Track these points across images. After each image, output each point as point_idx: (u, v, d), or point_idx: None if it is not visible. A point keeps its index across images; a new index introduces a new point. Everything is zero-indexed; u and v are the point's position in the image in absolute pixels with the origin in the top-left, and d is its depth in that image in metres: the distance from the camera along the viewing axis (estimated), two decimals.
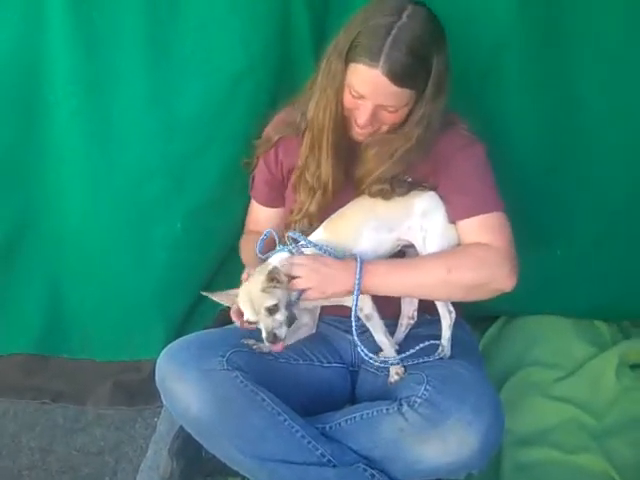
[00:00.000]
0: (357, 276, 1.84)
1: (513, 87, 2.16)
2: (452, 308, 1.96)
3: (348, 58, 1.79)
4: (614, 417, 2.22)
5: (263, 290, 1.80)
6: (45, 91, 2.15)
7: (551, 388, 2.30)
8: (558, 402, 2.25)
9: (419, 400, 1.78)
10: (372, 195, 1.94)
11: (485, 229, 1.91)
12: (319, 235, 1.95)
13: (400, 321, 2.06)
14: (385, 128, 1.89)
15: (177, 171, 2.23)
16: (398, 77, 1.75)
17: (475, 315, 2.17)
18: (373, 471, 1.81)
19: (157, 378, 1.87)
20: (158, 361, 1.88)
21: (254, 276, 1.84)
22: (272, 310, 1.80)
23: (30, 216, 2.35)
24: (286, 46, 2.15)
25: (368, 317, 1.93)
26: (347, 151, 1.95)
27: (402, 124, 1.88)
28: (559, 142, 2.24)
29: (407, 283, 1.90)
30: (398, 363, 1.92)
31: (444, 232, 1.93)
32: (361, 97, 1.81)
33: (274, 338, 1.80)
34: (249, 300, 1.82)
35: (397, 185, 1.93)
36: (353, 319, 1.87)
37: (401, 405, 1.80)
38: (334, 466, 1.82)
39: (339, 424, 1.89)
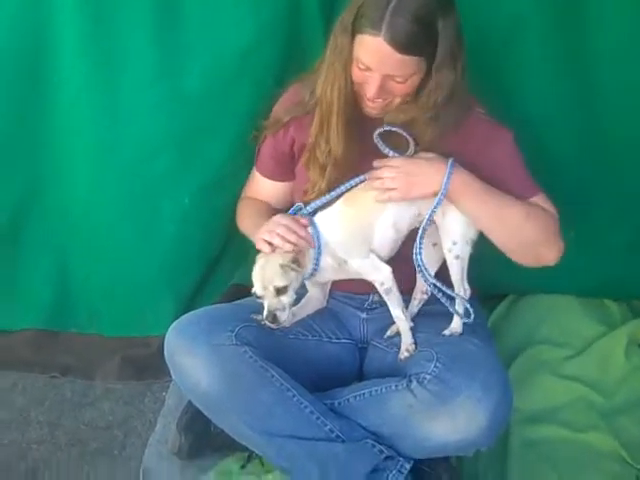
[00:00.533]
0: (447, 174, 1.84)
1: (532, 62, 2.14)
2: (467, 285, 1.95)
3: (354, 30, 1.77)
4: (623, 396, 2.22)
5: (281, 267, 1.79)
6: (53, 65, 2.14)
7: (560, 366, 2.30)
8: (567, 380, 2.25)
9: (428, 377, 1.78)
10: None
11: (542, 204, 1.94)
12: (338, 207, 1.93)
13: (414, 295, 2.05)
14: (397, 100, 1.86)
15: (185, 146, 2.21)
16: (401, 44, 1.72)
17: (484, 293, 2.15)
18: (381, 447, 1.82)
19: (166, 353, 1.88)
20: (167, 336, 1.88)
21: (275, 254, 1.83)
22: (280, 291, 1.80)
23: (37, 190, 2.34)
24: (295, 22, 2.12)
25: (387, 291, 1.91)
26: (359, 127, 1.93)
27: (417, 94, 1.85)
28: (577, 121, 2.22)
29: (488, 206, 1.89)
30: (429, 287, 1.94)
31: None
32: (368, 69, 1.79)
33: (273, 319, 1.80)
34: (262, 274, 1.81)
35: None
36: (424, 225, 1.87)
37: (410, 382, 1.80)
38: (343, 441, 1.82)
39: (348, 400, 1.90)
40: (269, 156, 2.12)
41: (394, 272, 1.91)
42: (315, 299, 2.07)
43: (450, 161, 1.85)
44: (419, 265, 1.89)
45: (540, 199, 1.95)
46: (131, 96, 2.14)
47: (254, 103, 2.15)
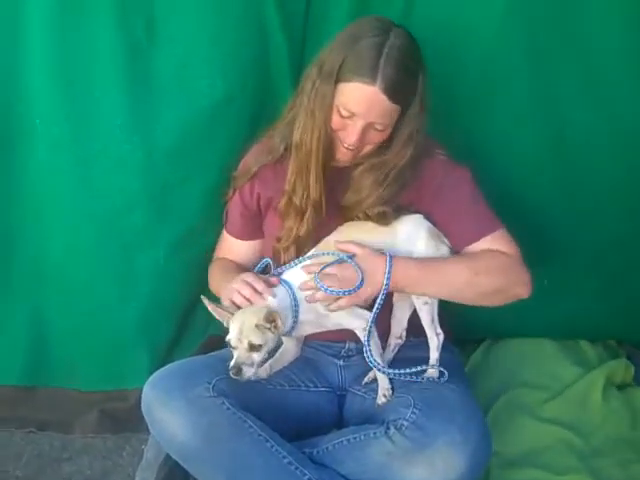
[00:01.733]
0: (387, 273, 1.86)
1: (503, 106, 2.18)
2: (440, 330, 1.97)
3: (338, 78, 1.82)
4: (602, 437, 2.22)
5: (257, 326, 1.79)
6: (24, 120, 2.13)
7: (538, 409, 2.29)
8: (546, 423, 2.24)
9: (406, 423, 1.78)
10: (372, 218, 1.95)
11: (496, 244, 1.97)
12: (303, 263, 1.96)
13: (389, 341, 2.06)
14: (368, 149, 1.91)
15: (159, 200, 2.20)
16: (394, 93, 1.79)
17: (460, 338, 2.17)
18: None
19: (143, 406, 1.87)
20: (144, 389, 1.87)
21: (256, 308, 1.84)
22: (254, 348, 1.79)
23: (10, 244, 2.30)
24: (265, 75, 2.16)
25: (370, 334, 1.91)
26: (331, 175, 1.96)
27: (385, 146, 1.91)
28: (550, 168, 2.25)
29: (435, 281, 1.92)
30: (391, 376, 1.92)
31: (433, 254, 1.95)
32: (351, 116, 1.83)
33: (237, 372, 1.78)
34: (239, 327, 1.81)
35: (395, 208, 1.96)
36: (370, 322, 1.88)
37: (388, 428, 1.80)
38: None
39: (327, 448, 1.89)
40: (238, 215, 2.14)
41: None
42: (291, 351, 2.06)
43: (388, 258, 1.88)
44: (371, 362, 1.90)
45: (498, 235, 1.98)
46: (103, 151, 2.13)
47: (226, 156, 2.16)
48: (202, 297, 1.92)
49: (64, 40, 2.04)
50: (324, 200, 1.96)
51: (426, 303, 1.95)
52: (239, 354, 1.79)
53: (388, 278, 1.86)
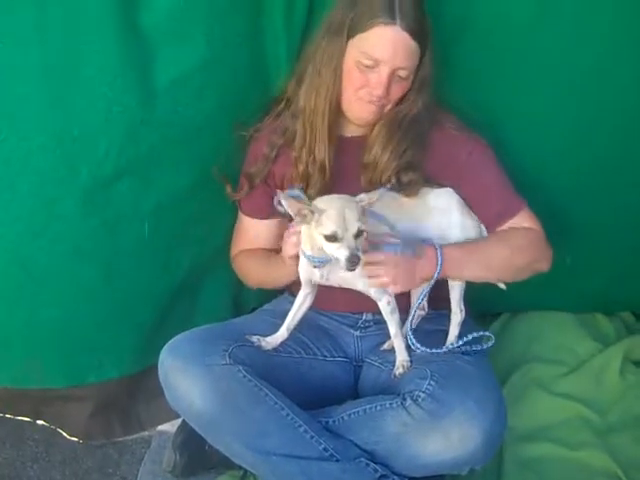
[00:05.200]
0: (439, 263, 1.87)
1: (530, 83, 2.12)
2: (463, 306, 1.97)
3: (352, 32, 1.82)
4: (618, 414, 2.22)
5: (359, 209, 1.74)
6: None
7: (554, 384, 2.30)
8: (561, 398, 2.25)
9: (422, 395, 1.77)
10: (401, 186, 1.94)
11: (521, 221, 1.99)
12: None
13: (410, 312, 2.03)
14: (389, 107, 1.91)
15: (145, 168, 2.01)
16: (415, 30, 1.81)
17: (478, 312, 2.16)
18: (376, 465, 1.81)
19: (160, 373, 1.87)
20: (160, 356, 1.87)
21: (349, 201, 1.76)
22: (358, 235, 1.72)
23: None
24: (260, 34, 2.03)
25: (393, 310, 1.90)
26: (347, 146, 1.97)
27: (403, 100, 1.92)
28: (573, 141, 2.21)
29: (475, 267, 1.95)
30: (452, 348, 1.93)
31: (462, 227, 1.95)
32: (375, 66, 1.82)
33: (357, 260, 1.70)
34: (342, 214, 1.71)
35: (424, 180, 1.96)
36: (415, 308, 1.92)
37: (405, 400, 1.80)
38: (337, 460, 1.81)
39: (342, 418, 1.89)
40: (259, 193, 2.09)
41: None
42: (303, 304, 1.99)
43: (438, 251, 1.88)
44: (417, 348, 1.90)
45: (523, 215, 1.99)
46: (88, 111, 1.89)
47: (215, 119, 2.04)
48: (277, 191, 1.85)
49: None
50: (329, 163, 1.94)
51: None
52: (349, 244, 1.71)
53: (440, 264, 1.87)
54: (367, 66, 1.83)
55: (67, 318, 2.13)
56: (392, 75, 1.84)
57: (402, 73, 1.85)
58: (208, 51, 1.94)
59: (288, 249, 1.91)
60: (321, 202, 1.77)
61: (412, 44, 1.82)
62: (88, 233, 2.02)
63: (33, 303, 2.10)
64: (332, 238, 1.71)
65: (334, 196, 1.80)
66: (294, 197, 1.81)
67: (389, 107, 1.92)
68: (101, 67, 1.85)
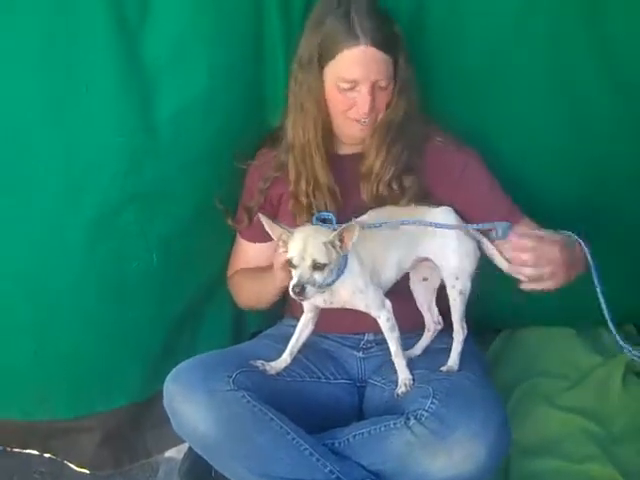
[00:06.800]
0: (589, 256, 1.91)
1: (518, 93, 2.15)
2: (465, 324, 1.97)
3: (322, 61, 1.88)
4: (622, 425, 2.22)
5: (324, 244, 1.75)
6: (6, 110, 1.89)
7: (558, 398, 2.30)
8: (565, 412, 2.24)
9: (426, 414, 1.78)
10: (403, 191, 1.97)
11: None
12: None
13: (427, 327, 2.07)
14: (380, 116, 1.94)
15: (151, 197, 2.04)
16: (381, 42, 1.85)
17: (479, 328, 2.17)
18: None
19: (165, 399, 1.88)
20: (165, 383, 1.88)
21: (321, 227, 1.81)
22: (317, 267, 1.75)
23: None
24: (262, 60, 2.07)
25: (392, 328, 1.90)
26: (335, 164, 2.01)
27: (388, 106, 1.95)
28: (566, 150, 2.22)
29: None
30: None
31: (459, 247, 1.95)
32: (354, 86, 1.87)
33: (300, 291, 1.73)
34: (303, 243, 1.75)
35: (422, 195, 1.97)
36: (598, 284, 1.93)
37: (408, 419, 1.80)
38: None
39: (347, 440, 1.89)
40: (258, 219, 2.07)
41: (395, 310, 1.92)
42: (306, 327, 2.01)
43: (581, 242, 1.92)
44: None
45: (525, 223, 2.00)
46: (91, 142, 1.94)
47: (220, 147, 2.08)
48: (259, 214, 1.88)
49: (48, 21, 1.83)
50: (332, 184, 1.98)
51: (461, 293, 1.94)
52: (301, 272, 1.74)
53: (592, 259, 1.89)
54: (347, 89, 1.87)
55: (74, 348, 2.15)
56: (373, 88, 1.88)
57: (382, 83, 1.89)
58: (210, 79, 1.98)
59: (279, 259, 1.90)
60: (298, 229, 1.82)
61: (381, 55, 1.86)
62: (94, 263, 2.05)
63: (40, 334, 2.13)
64: (291, 264, 1.77)
65: (308, 227, 1.84)
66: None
67: (380, 117, 1.95)
68: (104, 97, 1.91)
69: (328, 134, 1.98)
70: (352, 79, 1.86)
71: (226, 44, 1.99)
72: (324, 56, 1.88)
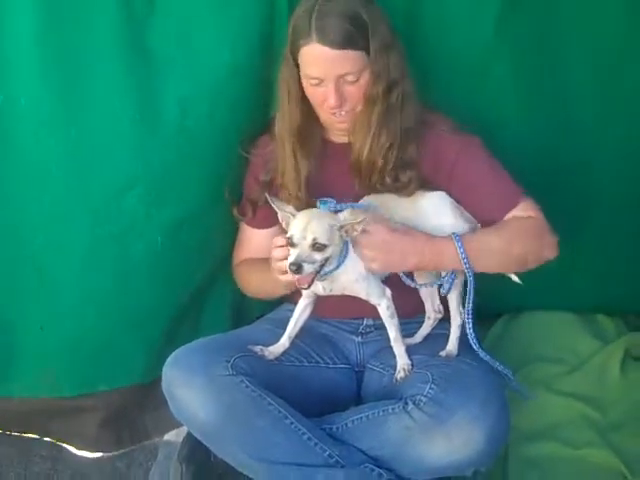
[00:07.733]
0: (461, 252, 1.87)
1: (508, 95, 2.17)
2: (462, 309, 1.97)
3: (294, 56, 1.87)
4: (621, 411, 2.22)
5: (330, 225, 1.76)
6: (13, 96, 1.94)
7: (556, 383, 2.30)
8: (564, 397, 2.25)
9: (424, 399, 1.78)
10: (401, 185, 1.95)
11: (521, 213, 1.97)
12: None
13: (427, 315, 2.07)
14: (359, 108, 1.92)
15: (157, 181, 2.07)
16: (332, 40, 1.81)
17: (478, 313, 2.17)
18: (381, 470, 1.82)
19: (163, 385, 1.88)
20: (164, 368, 1.88)
21: (323, 216, 1.80)
22: (317, 247, 1.74)
23: None
24: (270, 49, 2.07)
25: (392, 314, 1.91)
26: (325, 150, 2.01)
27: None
28: (558, 146, 2.24)
29: (482, 257, 1.91)
30: None
31: (454, 229, 1.93)
32: (319, 80, 1.86)
33: (297, 269, 1.72)
34: (305, 222, 1.76)
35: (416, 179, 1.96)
36: (468, 309, 1.91)
37: (407, 404, 1.81)
38: (342, 467, 1.82)
39: (346, 425, 1.90)
40: (262, 205, 2.09)
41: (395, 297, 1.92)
42: (304, 312, 2.01)
43: (455, 238, 1.88)
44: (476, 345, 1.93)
45: (523, 206, 1.98)
46: (99, 129, 1.99)
47: (228, 134, 2.10)
48: (266, 195, 1.91)
49: (54, 10, 1.88)
50: (318, 175, 1.98)
51: (457, 277, 1.95)
52: (301, 250, 1.74)
53: (465, 257, 1.86)
54: (315, 84, 1.87)
55: (79, 327, 2.18)
56: (339, 83, 1.85)
57: (349, 77, 1.86)
58: (217, 68, 2.01)
59: (276, 253, 1.89)
60: (302, 211, 1.82)
61: (339, 53, 1.81)
62: (98, 243, 2.08)
63: (46, 312, 2.16)
64: (291, 242, 1.76)
65: (315, 209, 1.84)
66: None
67: (359, 108, 1.92)
68: (111, 84, 1.95)
69: (317, 124, 1.97)
70: (314, 76, 1.86)
71: (233, 33, 2.01)
72: (293, 53, 1.88)
